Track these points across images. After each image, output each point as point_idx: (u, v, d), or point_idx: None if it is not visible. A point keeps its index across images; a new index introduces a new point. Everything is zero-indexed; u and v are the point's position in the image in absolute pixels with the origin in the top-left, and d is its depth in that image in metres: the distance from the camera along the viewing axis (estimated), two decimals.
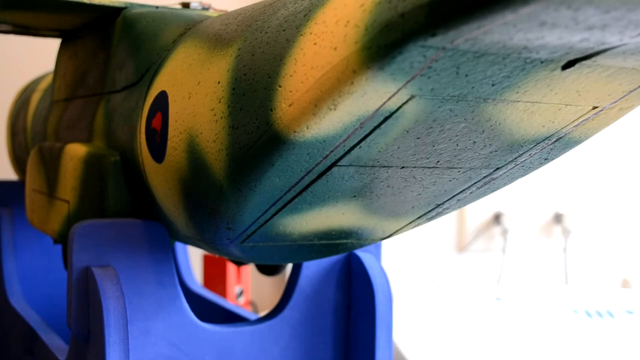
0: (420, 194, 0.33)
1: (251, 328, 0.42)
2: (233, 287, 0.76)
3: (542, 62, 0.24)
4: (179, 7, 0.44)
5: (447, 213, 0.37)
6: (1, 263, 0.59)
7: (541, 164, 0.33)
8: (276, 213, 0.32)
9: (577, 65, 0.25)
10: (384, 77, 0.23)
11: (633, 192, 1.17)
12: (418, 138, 0.28)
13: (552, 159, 0.33)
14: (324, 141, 0.27)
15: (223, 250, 0.36)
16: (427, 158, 0.30)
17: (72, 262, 0.38)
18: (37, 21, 0.47)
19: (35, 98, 0.60)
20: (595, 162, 1.15)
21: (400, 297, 0.73)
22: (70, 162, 0.43)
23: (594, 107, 0.29)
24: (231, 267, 0.76)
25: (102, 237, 0.38)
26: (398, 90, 0.24)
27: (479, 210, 1.11)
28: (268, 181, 0.29)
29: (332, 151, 0.28)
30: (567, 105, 0.28)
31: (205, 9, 0.45)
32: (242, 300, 0.77)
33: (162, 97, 0.36)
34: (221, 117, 0.30)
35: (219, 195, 0.31)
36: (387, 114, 0.26)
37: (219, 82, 0.31)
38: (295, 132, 0.27)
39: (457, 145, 0.29)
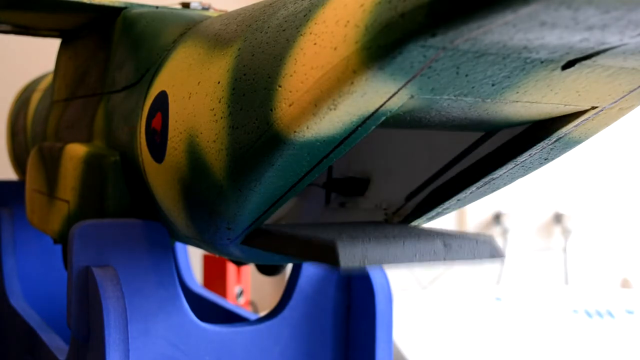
0: None
1: (251, 328, 0.42)
2: (233, 287, 0.76)
3: (542, 62, 0.24)
4: (179, 7, 0.44)
5: (447, 213, 0.37)
6: (1, 263, 0.59)
7: (541, 164, 0.33)
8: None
9: (577, 65, 0.25)
10: (384, 77, 0.23)
11: (633, 192, 1.17)
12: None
13: (552, 159, 0.33)
14: (324, 141, 0.27)
15: (223, 250, 0.36)
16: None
17: (72, 262, 0.38)
18: (37, 21, 0.47)
19: (35, 98, 0.60)
20: (595, 162, 1.15)
21: (400, 297, 0.73)
22: (70, 162, 0.43)
23: (594, 107, 0.29)
24: (231, 267, 0.76)
25: (102, 237, 0.38)
26: (398, 90, 0.24)
27: (479, 210, 1.11)
28: (268, 181, 0.29)
29: (332, 151, 0.28)
30: (566, 105, 0.28)
31: (205, 9, 0.45)
32: (242, 300, 0.77)
33: (162, 97, 0.36)
34: (221, 117, 0.30)
35: (219, 195, 0.31)
36: (388, 113, 0.26)
37: (219, 82, 0.31)
38: (295, 132, 0.27)
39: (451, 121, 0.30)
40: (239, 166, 0.30)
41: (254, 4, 0.33)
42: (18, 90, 0.71)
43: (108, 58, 0.44)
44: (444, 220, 1.13)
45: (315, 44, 0.25)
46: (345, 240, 0.28)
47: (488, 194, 0.36)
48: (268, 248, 0.32)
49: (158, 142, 0.35)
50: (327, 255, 0.27)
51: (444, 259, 0.29)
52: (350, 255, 0.27)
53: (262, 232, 0.33)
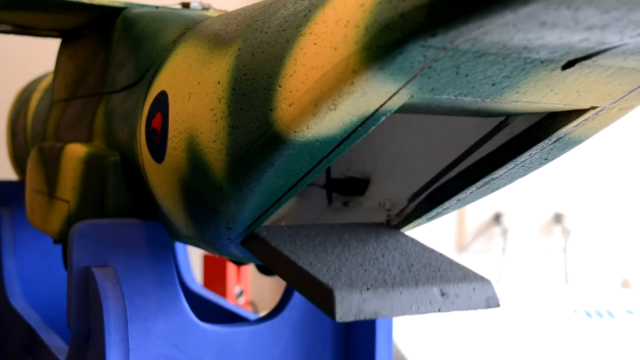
0: None
1: (251, 328, 0.42)
2: (233, 287, 0.76)
3: (542, 62, 0.25)
4: (179, 7, 0.44)
5: (447, 213, 0.37)
6: (1, 263, 0.59)
7: (541, 164, 0.33)
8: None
9: (577, 65, 0.25)
10: (384, 77, 0.23)
11: (633, 192, 1.17)
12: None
13: (552, 159, 0.33)
14: (324, 141, 0.27)
15: (223, 250, 0.36)
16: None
17: (72, 262, 0.38)
18: (37, 21, 0.47)
19: (35, 98, 0.60)
20: (595, 162, 1.15)
21: None
22: (70, 162, 0.43)
23: (594, 107, 0.29)
24: (231, 267, 0.76)
25: (102, 237, 0.38)
26: (398, 90, 0.24)
27: (479, 210, 1.11)
28: (268, 181, 0.29)
29: (332, 151, 0.28)
30: (566, 105, 0.28)
31: (205, 9, 0.45)
32: (242, 300, 0.77)
33: (162, 97, 0.36)
34: (221, 117, 0.30)
35: (219, 195, 0.31)
36: (388, 113, 0.26)
37: (219, 82, 0.31)
38: (295, 132, 0.27)
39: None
40: (239, 166, 0.30)
41: (254, 4, 0.33)
42: (18, 90, 0.71)
43: (108, 58, 0.44)
44: (444, 220, 1.13)
45: (315, 44, 0.25)
46: (344, 289, 0.28)
47: (488, 194, 0.36)
48: (266, 262, 0.33)
49: (158, 142, 0.35)
50: (325, 305, 0.28)
51: (439, 310, 0.30)
52: (346, 309, 0.28)
53: (263, 243, 0.33)
